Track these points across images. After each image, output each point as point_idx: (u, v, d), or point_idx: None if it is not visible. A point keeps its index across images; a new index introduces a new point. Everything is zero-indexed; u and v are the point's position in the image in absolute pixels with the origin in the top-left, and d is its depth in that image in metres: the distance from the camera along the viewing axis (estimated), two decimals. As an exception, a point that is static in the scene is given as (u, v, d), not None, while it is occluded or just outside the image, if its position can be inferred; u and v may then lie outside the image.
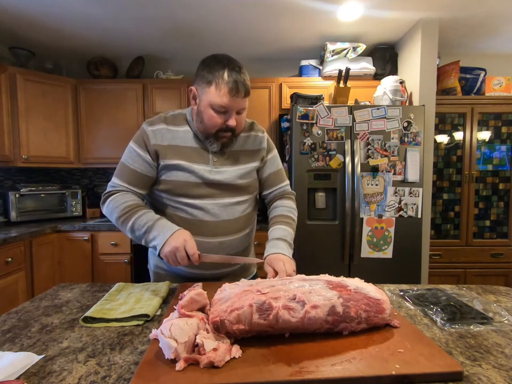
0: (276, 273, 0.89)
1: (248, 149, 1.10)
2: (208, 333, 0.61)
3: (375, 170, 2.12)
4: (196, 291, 0.68)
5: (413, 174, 2.11)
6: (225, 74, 0.92)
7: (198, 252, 0.88)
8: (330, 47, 2.51)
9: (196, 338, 0.58)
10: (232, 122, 0.96)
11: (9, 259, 1.99)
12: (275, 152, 1.19)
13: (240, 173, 1.07)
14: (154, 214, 0.96)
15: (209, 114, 0.95)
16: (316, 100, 2.37)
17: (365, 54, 2.67)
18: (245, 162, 1.09)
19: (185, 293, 0.68)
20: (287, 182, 1.21)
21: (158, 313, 0.81)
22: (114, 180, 1.02)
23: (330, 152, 2.12)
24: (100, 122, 2.70)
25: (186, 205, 1.02)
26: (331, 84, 2.61)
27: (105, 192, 1.03)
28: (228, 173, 1.05)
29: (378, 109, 2.11)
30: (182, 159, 1.00)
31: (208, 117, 0.96)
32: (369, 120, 2.11)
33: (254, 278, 1.23)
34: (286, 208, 1.14)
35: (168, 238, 0.88)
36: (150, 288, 0.94)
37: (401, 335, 0.65)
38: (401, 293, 0.94)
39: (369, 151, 2.12)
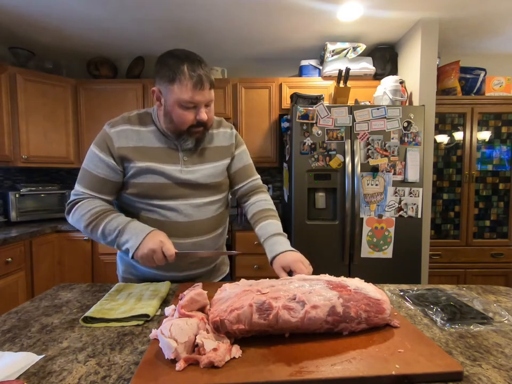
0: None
1: (218, 145, 1.08)
2: (208, 333, 0.61)
3: (375, 170, 2.12)
4: (196, 291, 0.68)
5: (413, 174, 2.11)
6: (186, 69, 0.89)
7: (176, 251, 0.87)
8: (330, 47, 2.51)
9: (195, 338, 0.58)
10: (203, 116, 0.93)
11: (9, 259, 1.99)
12: (244, 147, 1.16)
13: (211, 172, 1.04)
14: (124, 217, 0.94)
15: (178, 113, 0.92)
16: (316, 99, 2.37)
17: (365, 54, 2.67)
18: (216, 160, 1.07)
19: (185, 293, 0.68)
20: (258, 176, 1.18)
21: (158, 313, 0.81)
22: (77, 188, 0.98)
23: (330, 152, 2.12)
24: (99, 122, 2.69)
25: (159, 207, 0.99)
26: (331, 84, 2.62)
27: (68, 201, 0.98)
28: (199, 172, 1.02)
29: (378, 109, 2.11)
30: (151, 161, 0.97)
31: (177, 115, 0.93)
32: (369, 120, 2.11)
33: (226, 277, 1.22)
34: (266, 201, 1.12)
35: (143, 240, 0.86)
36: (150, 288, 0.94)
37: (401, 335, 0.65)
38: (401, 293, 0.94)
39: (369, 151, 2.12)
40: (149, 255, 0.85)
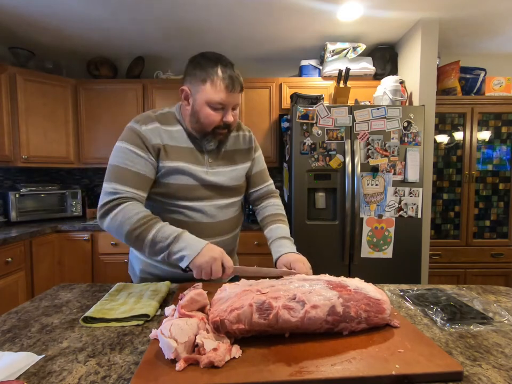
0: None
1: (240, 148, 1.12)
2: (208, 333, 0.61)
3: (375, 170, 2.12)
4: (196, 291, 0.68)
5: (413, 174, 2.11)
6: (219, 71, 0.91)
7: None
8: (330, 47, 2.51)
9: (196, 338, 0.58)
10: (229, 117, 0.96)
11: (9, 259, 1.99)
12: (260, 151, 1.21)
13: (234, 175, 1.08)
14: (174, 227, 0.90)
15: (206, 113, 0.94)
16: (316, 100, 2.37)
17: (365, 54, 2.67)
18: (239, 162, 1.10)
19: (185, 293, 0.68)
20: (272, 181, 1.24)
21: (158, 313, 0.81)
22: (114, 186, 0.90)
23: (330, 152, 2.12)
24: (99, 122, 2.70)
25: (185, 208, 0.99)
26: (331, 84, 2.61)
27: (105, 201, 0.90)
28: (224, 174, 1.05)
29: (378, 109, 2.11)
30: (181, 161, 0.98)
31: (205, 115, 0.94)
32: (369, 120, 2.11)
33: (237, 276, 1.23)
34: (278, 207, 1.18)
35: (202, 249, 0.85)
36: (150, 288, 0.94)
37: (401, 335, 0.65)
38: (401, 293, 0.94)
39: (369, 151, 2.12)
40: (209, 263, 0.83)
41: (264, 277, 0.95)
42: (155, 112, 1.01)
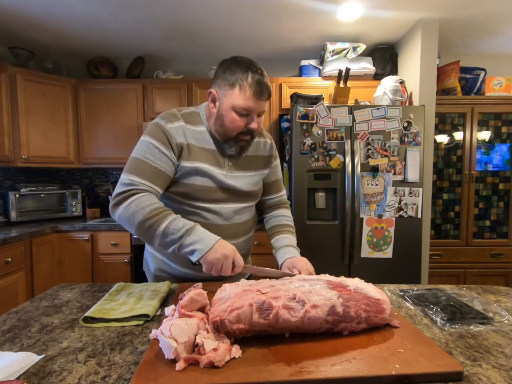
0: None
1: (260, 155, 1.12)
2: (208, 333, 0.61)
3: (375, 170, 2.12)
4: (196, 291, 0.68)
5: (413, 174, 2.11)
6: (249, 77, 0.90)
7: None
8: (330, 47, 2.51)
9: (196, 338, 0.58)
10: (254, 125, 0.95)
11: (9, 259, 1.99)
12: (278, 160, 1.22)
13: (253, 180, 1.08)
14: (187, 220, 0.89)
15: (231, 117, 0.93)
16: (316, 100, 2.37)
17: (365, 54, 2.67)
18: (257, 169, 1.10)
19: (185, 293, 0.68)
20: (285, 191, 1.25)
21: (158, 313, 0.81)
22: (132, 178, 0.89)
23: (330, 152, 2.12)
24: (99, 122, 2.70)
25: (202, 209, 0.99)
26: (331, 84, 2.61)
27: (120, 191, 0.89)
28: (242, 179, 1.05)
29: (378, 109, 2.11)
30: (202, 162, 0.97)
31: (229, 120, 0.94)
32: (369, 120, 2.11)
33: (249, 276, 1.24)
34: (287, 217, 1.19)
35: (214, 245, 0.83)
36: (150, 288, 0.94)
37: (401, 335, 0.65)
38: (401, 293, 0.94)
39: (369, 151, 2.12)
40: (220, 260, 0.83)
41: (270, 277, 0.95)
42: (180, 110, 1.02)
